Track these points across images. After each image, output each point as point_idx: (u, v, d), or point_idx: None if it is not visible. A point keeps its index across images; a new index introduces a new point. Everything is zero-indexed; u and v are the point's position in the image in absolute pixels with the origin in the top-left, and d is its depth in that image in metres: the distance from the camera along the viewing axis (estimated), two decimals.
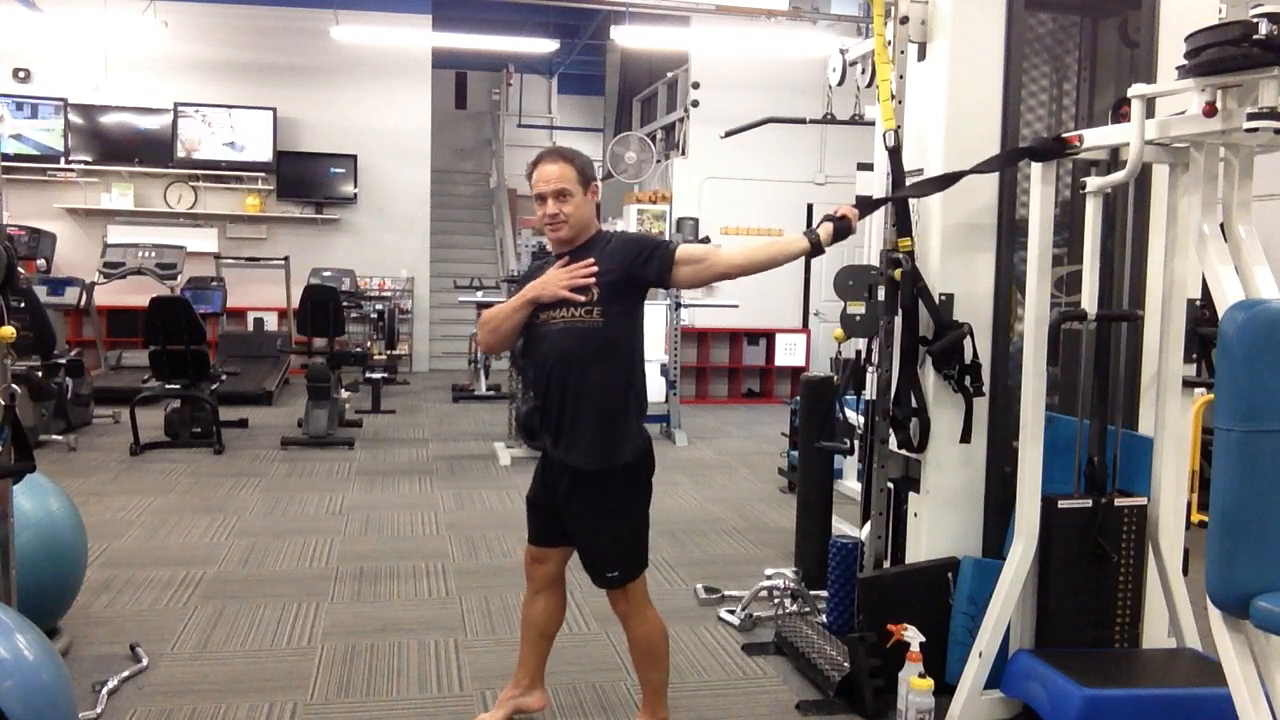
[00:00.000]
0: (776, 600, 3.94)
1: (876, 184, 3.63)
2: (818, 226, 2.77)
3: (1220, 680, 2.23)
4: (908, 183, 3.15)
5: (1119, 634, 3.00)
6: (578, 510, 2.72)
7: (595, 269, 2.64)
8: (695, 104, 10.70)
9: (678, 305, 8.43)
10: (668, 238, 10.02)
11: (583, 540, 2.75)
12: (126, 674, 3.28)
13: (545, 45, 11.59)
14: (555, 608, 2.96)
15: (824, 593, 3.72)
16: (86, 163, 10.90)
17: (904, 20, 3.18)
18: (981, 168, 2.96)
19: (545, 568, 2.90)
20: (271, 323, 11.04)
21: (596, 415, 2.65)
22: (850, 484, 5.71)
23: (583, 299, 2.63)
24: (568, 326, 2.65)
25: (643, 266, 2.66)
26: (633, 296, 2.71)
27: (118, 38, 10.75)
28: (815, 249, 2.71)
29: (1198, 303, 3.04)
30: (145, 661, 3.39)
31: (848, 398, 3.64)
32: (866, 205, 3.02)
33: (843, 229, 2.75)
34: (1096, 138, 2.80)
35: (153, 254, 9.92)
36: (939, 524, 3.20)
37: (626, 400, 2.68)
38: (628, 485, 2.70)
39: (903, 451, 3.28)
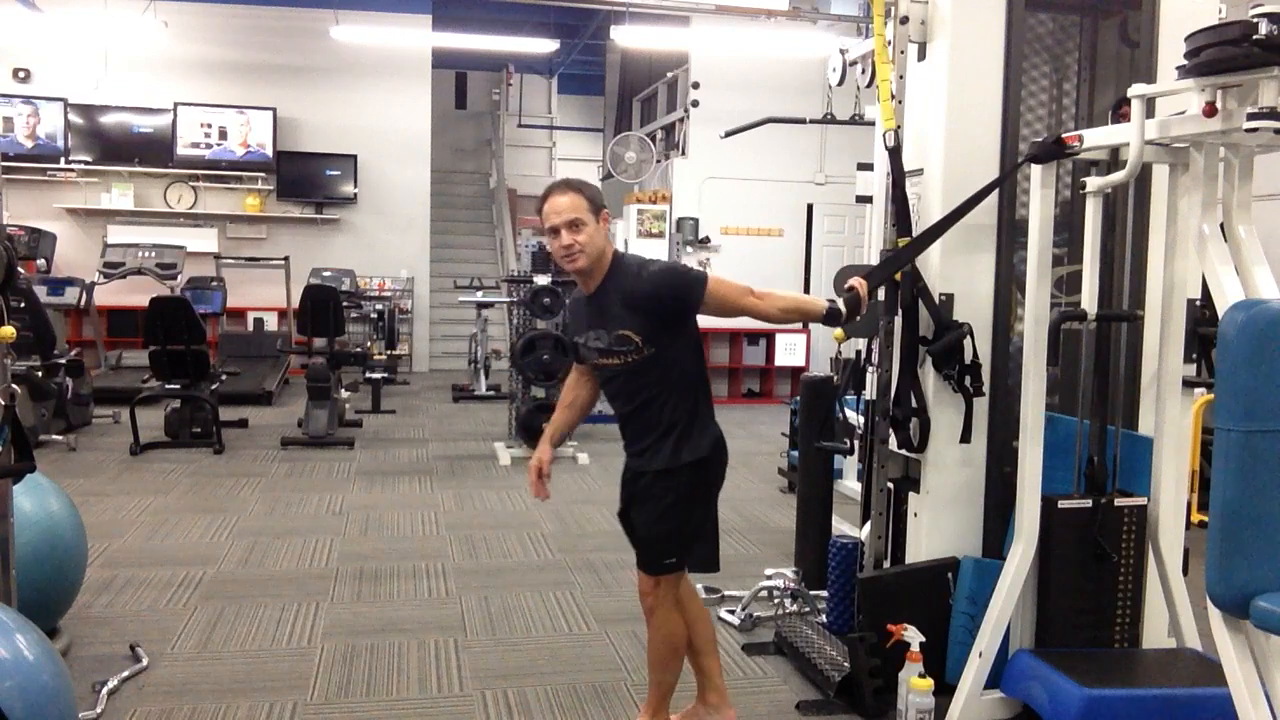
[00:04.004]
0: (776, 600, 3.94)
1: (877, 184, 3.63)
2: (842, 298, 2.84)
3: (1220, 680, 2.23)
4: (907, 183, 3.15)
5: (1119, 634, 3.00)
6: (646, 502, 2.77)
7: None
8: (695, 104, 10.70)
9: None
10: (678, 245, 9.99)
11: (643, 529, 2.79)
12: (126, 674, 3.28)
13: (545, 45, 11.59)
14: (694, 616, 2.93)
15: (824, 593, 3.72)
16: (86, 163, 10.90)
17: (904, 20, 3.18)
18: (983, 193, 2.99)
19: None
20: (271, 323, 11.05)
21: (661, 429, 2.71)
22: (850, 484, 5.71)
23: (635, 341, 2.65)
24: (624, 366, 2.71)
25: (677, 306, 2.67)
26: (677, 323, 2.72)
27: (118, 38, 10.76)
28: (830, 318, 2.80)
29: (1198, 303, 3.04)
30: (145, 661, 3.39)
31: (848, 398, 3.64)
32: (877, 275, 3.04)
33: (853, 303, 2.83)
34: (1096, 138, 2.80)
35: (153, 254, 9.92)
36: (939, 524, 3.20)
37: (694, 408, 2.72)
38: (691, 481, 2.73)
39: (903, 451, 3.27)
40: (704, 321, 2.76)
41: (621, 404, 2.78)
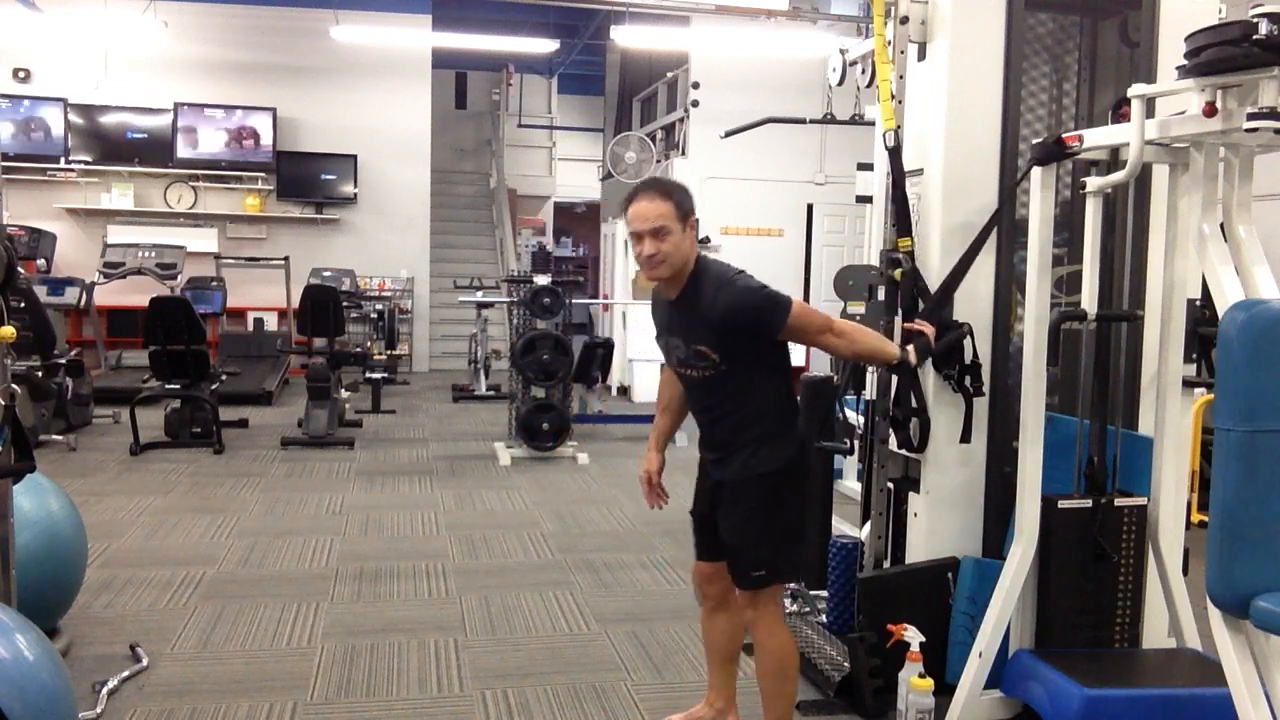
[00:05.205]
0: None
1: (877, 184, 3.63)
2: (907, 344, 2.91)
3: (1220, 680, 2.23)
4: (907, 183, 3.15)
5: (1119, 634, 3.00)
6: (726, 512, 2.71)
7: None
8: (695, 104, 10.69)
9: None
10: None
11: (730, 540, 2.71)
12: (126, 674, 3.28)
13: (545, 45, 11.59)
14: (732, 626, 2.90)
15: (824, 593, 3.72)
16: (86, 163, 10.90)
17: (904, 20, 3.18)
18: (997, 211, 3.03)
19: (717, 585, 2.85)
20: (271, 323, 11.05)
21: (736, 442, 2.65)
22: (850, 484, 5.71)
23: (712, 358, 2.58)
24: (700, 379, 2.65)
25: (754, 331, 2.57)
26: (756, 345, 2.62)
27: (118, 38, 10.76)
28: (901, 367, 2.91)
29: (1198, 303, 3.04)
30: (145, 661, 3.39)
31: (848, 398, 3.64)
32: (933, 315, 3.05)
33: (924, 347, 2.91)
34: (1096, 138, 2.80)
35: (153, 254, 9.93)
36: (939, 524, 3.20)
37: (772, 426, 2.65)
38: (767, 488, 2.65)
39: (903, 451, 3.28)
40: None
41: (699, 413, 2.74)
